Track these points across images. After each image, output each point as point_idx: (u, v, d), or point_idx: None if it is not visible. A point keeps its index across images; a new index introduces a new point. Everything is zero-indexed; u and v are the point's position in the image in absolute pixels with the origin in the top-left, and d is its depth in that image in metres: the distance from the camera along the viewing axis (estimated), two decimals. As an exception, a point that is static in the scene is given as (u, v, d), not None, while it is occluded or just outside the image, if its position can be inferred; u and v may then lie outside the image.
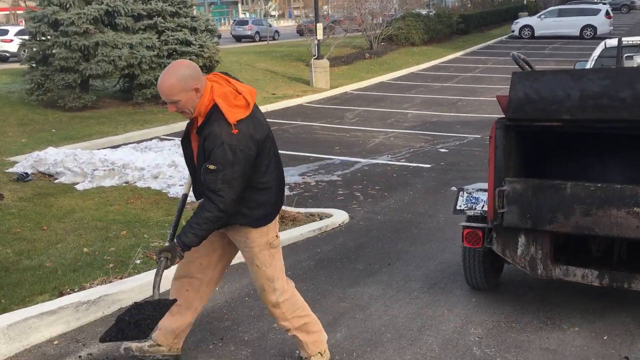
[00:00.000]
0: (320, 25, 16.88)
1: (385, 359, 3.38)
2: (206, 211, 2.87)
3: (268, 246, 3.10)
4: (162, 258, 2.95)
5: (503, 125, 3.61)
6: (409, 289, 4.45)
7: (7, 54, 22.56)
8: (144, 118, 11.99)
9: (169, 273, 3.25)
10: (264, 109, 14.36)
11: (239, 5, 76.82)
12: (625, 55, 6.95)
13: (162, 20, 12.90)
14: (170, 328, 3.29)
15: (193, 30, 13.36)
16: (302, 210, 6.66)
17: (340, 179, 8.30)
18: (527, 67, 4.12)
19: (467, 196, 4.14)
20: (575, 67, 7.86)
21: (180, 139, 3.28)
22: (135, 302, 3.00)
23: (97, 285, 4.16)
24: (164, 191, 7.28)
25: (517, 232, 3.67)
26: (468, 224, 3.93)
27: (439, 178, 8.29)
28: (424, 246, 5.51)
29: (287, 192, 7.42)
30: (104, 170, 7.69)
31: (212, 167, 2.80)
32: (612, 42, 8.26)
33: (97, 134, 10.62)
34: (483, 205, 4.02)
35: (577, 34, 27.55)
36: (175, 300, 3.07)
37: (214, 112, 2.85)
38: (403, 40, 24.61)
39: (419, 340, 3.61)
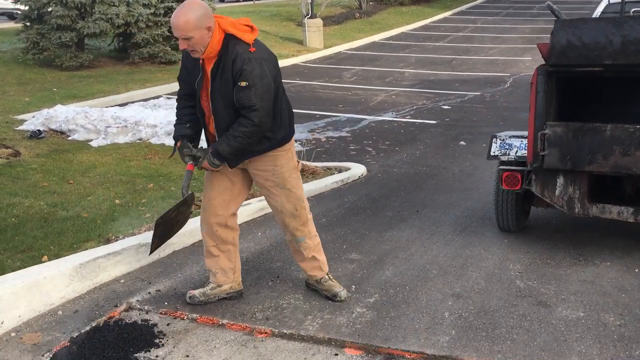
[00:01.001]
0: (313, -16, 16.75)
1: (437, 291, 3.60)
2: (242, 126, 3.06)
3: (295, 169, 3.36)
4: (186, 157, 3.21)
5: (545, 72, 3.77)
6: (442, 232, 4.66)
7: (19, 12, 21.82)
8: (143, 77, 11.91)
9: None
10: (260, 68, 14.33)
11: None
12: (633, 9, 7.11)
13: (157, -23, 12.70)
14: (226, 266, 3.46)
15: (189, -13, 13.16)
16: (319, 164, 6.81)
17: (349, 134, 8.45)
18: (560, 16, 4.25)
19: (501, 143, 4.32)
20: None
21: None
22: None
23: (145, 231, 4.28)
24: (179, 147, 7.35)
25: (556, 174, 3.87)
26: (507, 167, 4.12)
27: (446, 133, 8.48)
28: (446, 195, 5.71)
29: (300, 148, 7.56)
30: (117, 127, 7.72)
31: (244, 83, 2.98)
32: (616, -3, 8.40)
33: (100, 93, 10.56)
34: (517, 151, 4.21)
35: (564, -7, 27.59)
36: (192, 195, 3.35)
37: (229, 41, 3.03)
38: (392, -1, 24.51)
39: (464, 275, 3.83)
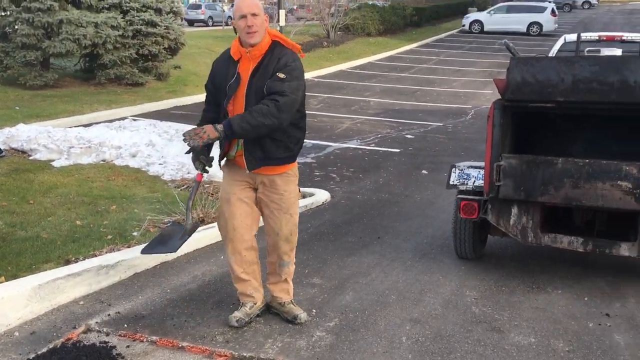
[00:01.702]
0: (282, 12, 17.01)
1: (395, 316, 3.68)
2: (262, 104, 3.15)
3: (298, 196, 3.55)
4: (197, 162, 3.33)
5: (501, 106, 3.95)
6: (403, 258, 4.77)
7: None
8: (109, 98, 11.85)
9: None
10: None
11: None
12: (587, 49, 7.47)
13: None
14: (257, 285, 3.59)
15: (158, 11, 13.24)
16: (284, 189, 6.87)
17: (314, 161, 8.55)
18: (516, 53, 4.48)
19: (459, 172, 4.47)
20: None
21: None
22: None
23: (106, 253, 4.27)
24: (143, 169, 7.34)
25: (511, 204, 4.03)
26: (465, 196, 4.26)
27: (409, 162, 8.66)
28: (407, 222, 5.84)
29: (265, 173, 7.62)
30: (81, 148, 7.66)
31: (282, 75, 3.18)
32: (572, 37, 8.80)
33: (63, 113, 10.46)
34: (474, 181, 4.37)
35: (524, 30, 28.60)
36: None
37: (277, 45, 3.29)
38: (359, 30, 25.01)
39: (422, 301, 3.93)
